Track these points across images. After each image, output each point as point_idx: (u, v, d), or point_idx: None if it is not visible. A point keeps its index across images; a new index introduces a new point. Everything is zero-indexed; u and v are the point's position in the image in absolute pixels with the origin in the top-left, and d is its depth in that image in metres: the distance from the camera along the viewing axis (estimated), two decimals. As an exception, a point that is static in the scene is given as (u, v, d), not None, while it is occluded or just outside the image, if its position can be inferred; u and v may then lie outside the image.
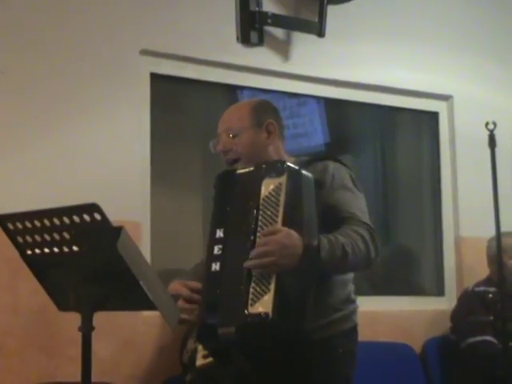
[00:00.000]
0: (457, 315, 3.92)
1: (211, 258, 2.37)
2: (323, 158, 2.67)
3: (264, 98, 2.92)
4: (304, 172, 2.39)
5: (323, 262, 2.31)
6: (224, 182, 2.51)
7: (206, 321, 2.34)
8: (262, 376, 2.41)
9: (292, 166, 2.38)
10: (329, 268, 2.39)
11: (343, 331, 2.53)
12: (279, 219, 2.28)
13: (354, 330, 2.58)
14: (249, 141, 2.63)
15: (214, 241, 2.39)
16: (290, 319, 2.25)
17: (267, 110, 2.73)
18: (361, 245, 2.38)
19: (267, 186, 2.33)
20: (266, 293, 2.20)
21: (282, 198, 2.30)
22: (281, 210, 2.29)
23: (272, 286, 2.20)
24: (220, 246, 2.36)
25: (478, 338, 3.71)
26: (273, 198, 2.31)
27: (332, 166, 2.57)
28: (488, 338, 3.70)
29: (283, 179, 2.32)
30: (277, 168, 2.36)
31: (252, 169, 2.46)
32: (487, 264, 4.01)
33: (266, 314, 2.17)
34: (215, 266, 2.34)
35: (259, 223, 2.30)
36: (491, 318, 3.74)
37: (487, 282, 3.95)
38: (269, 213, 2.30)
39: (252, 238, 2.29)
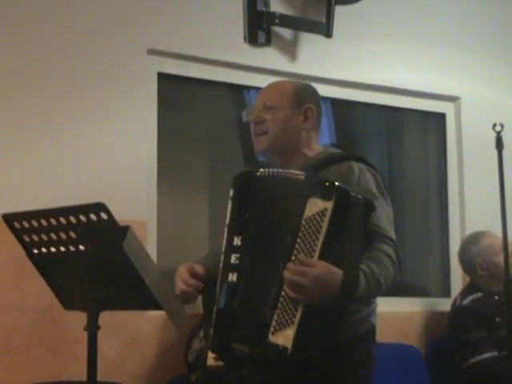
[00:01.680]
0: (452, 335, 3.87)
1: (227, 266, 2.26)
2: (349, 156, 2.56)
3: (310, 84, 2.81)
4: (353, 195, 2.20)
5: (358, 299, 2.23)
6: (243, 183, 2.35)
7: (221, 333, 2.26)
8: (275, 379, 2.35)
9: (342, 188, 2.20)
10: (361, 302, 2.33)
11: (360, 333, 2.44)
12: (317, 249, 2.14)
13: (371, 331, 2.50)
14: (283, 119, 2.53)
15: (230, 248, 2.26)
16: (307, 356, 2.16)
17: (311, 94, 2.65)
18: (391, 269, 2.28)
19: (311, 207, 2.16)
20: (289, 325, 2.11)
21: (325, 226, 2.14)
22: (321, 239, 2.14)
23: (297, 320, 2.11)
24: (237, 255, 2.24)
25: (478, 358, 3.68)
26: (315, 223, 2.15)
27: (357, 167, 2.44)
28: (487, 355, 3.67)
29: (330, 204, 2.15)
30: (325, 188, 2.18)
31: (288, 175, 2.29)
32: (465, 271, 3.99)
33: (286, 348, 2.10)
34: (232, 277, 2.23)
35: (296, 246, 2.15)
36: (497, 319, 3.72)
37: (471, 289, 3.91)
38: (308, 238, 2.15)
39: (286, 260, 2.15)
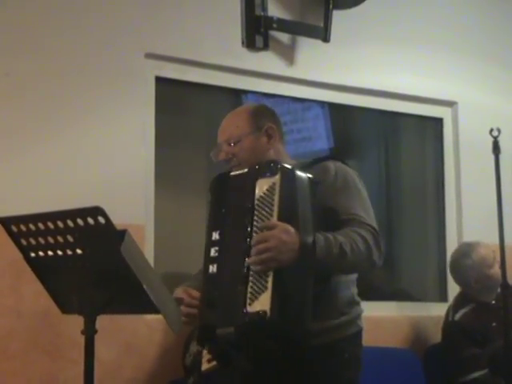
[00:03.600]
0: (446, 352, 3.84)
1: (208, 260, 2.38)
2: (324, 158, 2.66)
3: (262, 103, 2.93)
4: (298, 171, 2.38)
5: (319, 258, 2.30)
6: (219, 184, 2.51)
7: (205, 322, 2.34)
8: (265, 381, 2.41)
9: (285, 165, 2.37)
10: (326, 266, 2.37)
11: (348, 336, 2.51)
12: (274, 218, 2.28)
13: (358, 334, 2.57)
14: (250, 146, 2.64)
15: (210, 243, 2.39)
16: (289, 317, 2.23)
17: (265, 114, 2.74)
18: (361, 245, 2.36)
19: (261, 186, 2.33)
20: (263, 291, 2.20)
21: (277, 197, 2.29)
22: (275, 208, 2.28)
23: (269, 284, 2.20)
24: (216, 248, 2.37)
25: (471, 376, 3.67)
26: (267, 198, 2.31)
27: (333, 165, 2.55)
28: (478, 373, 3.65)
29: (277, 178, 2.31)
30: (270, 168, 2.35)
31: (246, 170, 2.45)
32: (457, 283, 3.98)
33: (264, 312, 2.16)
34: (212, 268, 2.35)
35: (254, 223, 2.30)
36: (494, 324, 3.72)
37: (463, 301, 3.89)
38: (264, 212, 2.30)
39: (248, 238, 2.28)
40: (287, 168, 2.36)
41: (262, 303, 2.18)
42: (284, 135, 2.81)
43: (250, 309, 2.19)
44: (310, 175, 2.41)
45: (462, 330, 3.76)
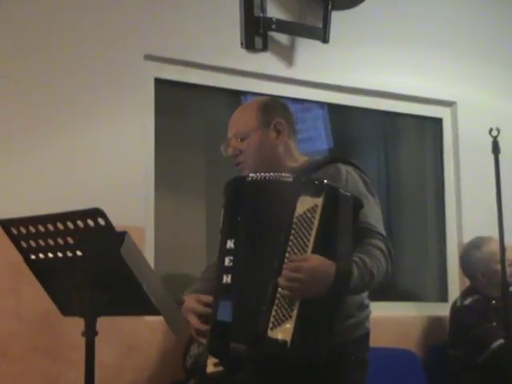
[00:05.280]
0: (457, 335, 3.86)
1: (222, 269, 2.30)
2: (336, 159, 2.59)
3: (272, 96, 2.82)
4: (342, 192, 2.27)
5: (352, 288, 2.26)
6: (234, 189, 2.41)
7: (218, 331, 2.28)
8: (272, 382, 2.38)
9: (330, 185, 2.26)
10: (356, 292, 2.36)
11: (355, 338, 2.47)
12: (310, 244, 2.19)
13: (366, 337, 2.52)
14: (257, 142, 2.57)
15: (224, 252, 2.31)
16: (308, 349, 2.18)
17: (275, 108, 2.65)
18: (383, 262, 2.33)
19: (302, 205, 2.21)
20: (287, 319, 2.14)
21: (317, 222, 2.19)
22: (313, 234, 2.19)
23: (295, 313, 2.15)
24: (231, 258, 2.28)
25: (494, 345, 3.68)
26: (307, 220, 2.20)
27: (344, 170, 2.48)
28: (498, 342, 3.66)
29: (320, 201, 2.21)
30: (314, 186, 2.24)
31: (279, 178, 2.34)
32: (465, 275, 4.01)
33: (285, 342, 2.12)
34: (226, 278, 2.27)
35: (289, 243, 2.20)
36: (494, 323, 3.74)
37: (471, 291, 3.93)
38: (300, 234, 2.20)
39: (281, 257, 2.19)
40: (332, 189, 2.25)
41: (284, 332, 2.13)
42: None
43: (271, 334, 2.14)
44: (354, 196, 2.32)
45: (473, 311, 3.81)
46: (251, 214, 2.33)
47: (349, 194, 2.29)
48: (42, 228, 2.08)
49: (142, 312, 2.31)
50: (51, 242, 2.10)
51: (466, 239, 4.18)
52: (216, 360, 2.35)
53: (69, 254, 2.09)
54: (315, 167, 2.51)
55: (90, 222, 1.98)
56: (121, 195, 3.43)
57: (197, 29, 3.77)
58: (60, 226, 2.04)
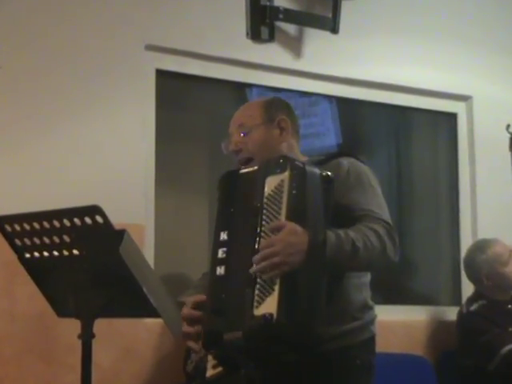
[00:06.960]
0: (466, 342, 3.82)
1: (215, 261, 2.33)
2: (337, 155, 2.62)
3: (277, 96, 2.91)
4: (308, 167, 2.33)
5: (331, 256, 2.25)
6: (227, 183, 2.47)
7: (212, 327, 2.29)
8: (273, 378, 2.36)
9: (295, 161, 2.33)
10: (339, 264, 2.32)
11: (360, 342, 2.47)
12: (282, 216, 2.23)
13: (371, 340, 2.52)
14: (260, 138, 2.61)
15: (218, 244, 2.35)
16: (298, 320, 2.17)
17: (279, 106, 2.71)
18: (374, 240, 2.31)
19: (270, 184, 2.29)
20: (270, 294, 2.16)
21: (285, 195, 2.25)
22: (284, 207, 2.24)
23: (276, 287, 2.16)
24: (224, 249, 2.32)
25: (505, 350, 3.63)
26: (276, 196, 2.26)
27: (346, 161, 2.51)
28: (509, 347, 3.63)
29: (285, 175, 2.27)
30: (279, 164, 2.31)
31: (256, 168, 2.41)
32: (469, 279, 3.98)
33: (270, 315, 2.11)
34: (220, 270, 2.30)
35: (263, 223, 2.25)
36: (510, 329, 3.71)
37: (476, 297, 3.89)
38: (272, 211, 2.25)
39: (257, 238, 2.23)
40: (297, 164, 2.32)
41: (268, 306, 2.14)
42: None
43: (257, 312, 2.15)
44: (322, 171, 2.35)
45: (481, 317, 3.77)
46: (240, 205, 2.38)
47: (316, 169, 2.34)
48: (37, 225, 2.10)
49: (140, 314, 2.33)
50: (47, 240, 2.12)
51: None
52: (215, 362, 2.35)
53: (65, 252, 2.11)
54: (317, 163, 2.51)
55: (88, 220, 2.01)
56: (120, 192, 3.42)
57: (200, 18, 3.76)
58: (56, 223, 2.06)
